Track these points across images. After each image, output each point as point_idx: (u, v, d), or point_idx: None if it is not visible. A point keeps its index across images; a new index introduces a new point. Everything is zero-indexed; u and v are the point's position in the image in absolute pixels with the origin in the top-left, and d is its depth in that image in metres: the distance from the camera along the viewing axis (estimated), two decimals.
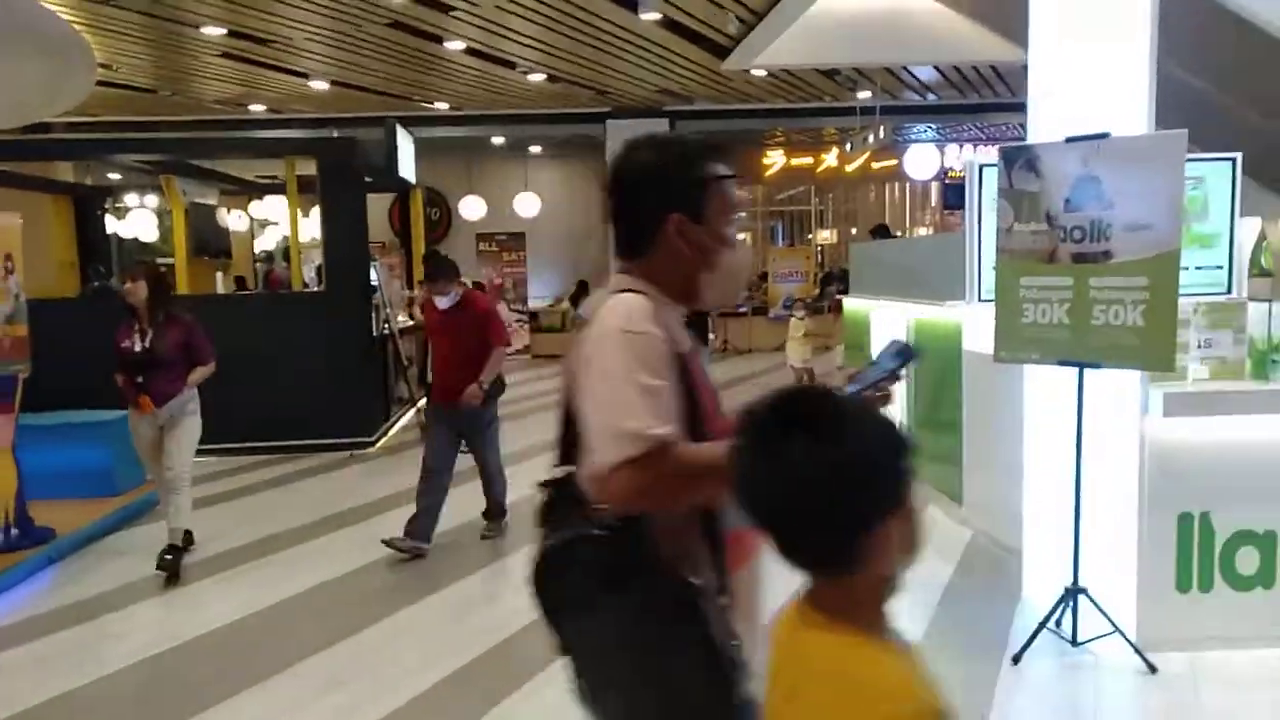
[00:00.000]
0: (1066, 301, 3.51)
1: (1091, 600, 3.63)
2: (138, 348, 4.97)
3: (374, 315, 8.78)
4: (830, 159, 17.55)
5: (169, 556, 4.96)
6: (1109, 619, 3.58)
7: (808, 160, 17.71)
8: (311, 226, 10.61)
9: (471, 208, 16.91)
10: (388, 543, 5.13)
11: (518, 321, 15.75)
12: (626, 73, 12.48)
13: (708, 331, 8.40)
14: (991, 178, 4.25)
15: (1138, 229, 3.28)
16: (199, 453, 5.24)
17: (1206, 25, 5.74)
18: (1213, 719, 3.22)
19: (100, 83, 9.52)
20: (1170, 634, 3.61)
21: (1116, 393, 3.65)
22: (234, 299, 11.32)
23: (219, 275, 14.83)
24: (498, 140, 17.27)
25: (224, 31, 9.84)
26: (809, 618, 1.14)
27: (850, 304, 8.18)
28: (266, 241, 16.78)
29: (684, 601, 1.45)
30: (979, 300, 4.74)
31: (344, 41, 10.47)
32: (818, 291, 15.54)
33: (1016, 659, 3.60)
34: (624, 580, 1.46)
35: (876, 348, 7.95)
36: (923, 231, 18.90)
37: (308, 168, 8.81)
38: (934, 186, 18.56)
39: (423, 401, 7.53)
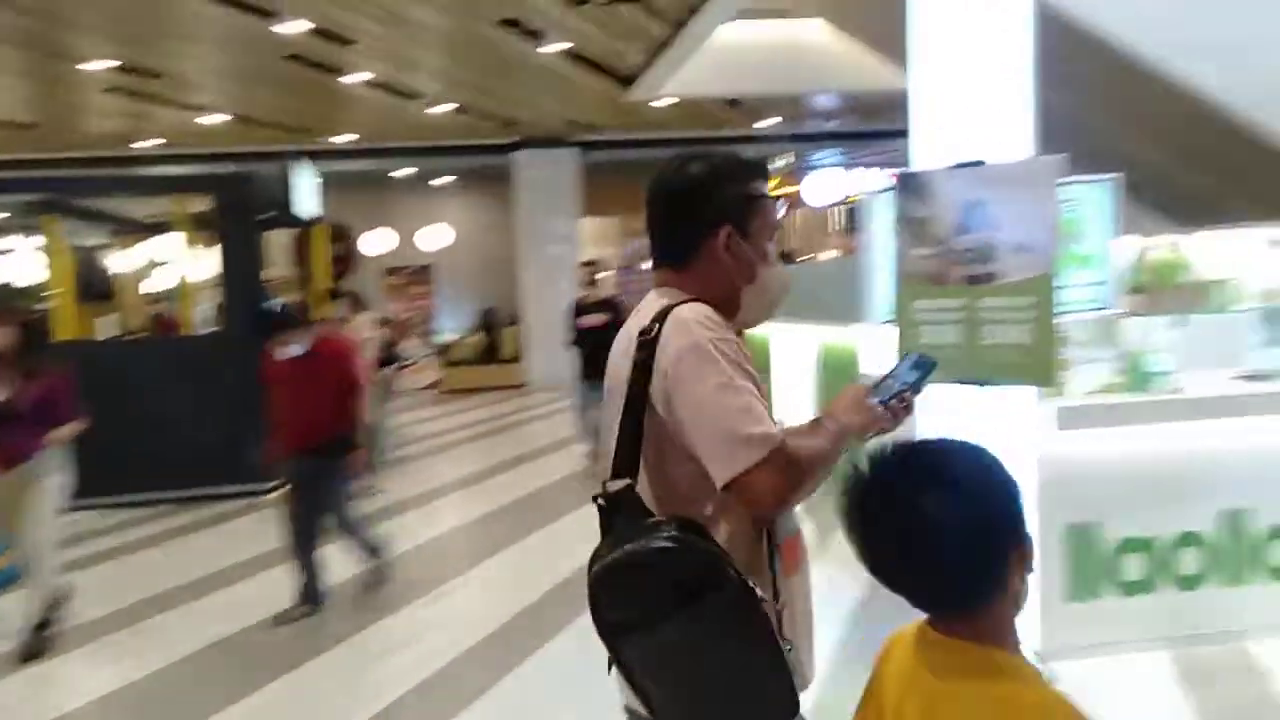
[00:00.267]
0: (959, 322, 3.59)
1: None
2: None
3: None
4: None
5: (34, 632, 4.55)
6: None
7: None
8: (210, 265, 10.25)
9: (379, 241, 16.64)
10: (279, 619, 4.80)
11: (427, 356, 15.46)
12: (533, 104, 12.50)
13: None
14: (884, 203, 4.35)
15: (1021, 251, 3.38)
16: (82, 507, 4.91)
17: (1091, 54, 6.04)
18: None
19: None
20: (1065, 643, 3.70)
21: (1009, 410, 3.75)
22: (121, 343, 10.81)
23: (106, 318, 14.15)
24: (406, 172, 17.06)
25: (112, 65, 9.49)
26: (941, 641, 1.21)
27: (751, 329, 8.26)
28: (159, 282, 16.13)
29: (754, 610, 1.44)
30: (879, 322, 4.84)
31: (241, 75, 10.23)
32: None
33: None
34: (699, 591, 1.43)
35: (777, 373, 8.04)
36: (828, 255, 19.34)
37: (206, 204, 8.53)
38: (839, 211, 19.04)
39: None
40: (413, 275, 18.03)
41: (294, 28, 8.55)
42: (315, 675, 4.19)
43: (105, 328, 13.93)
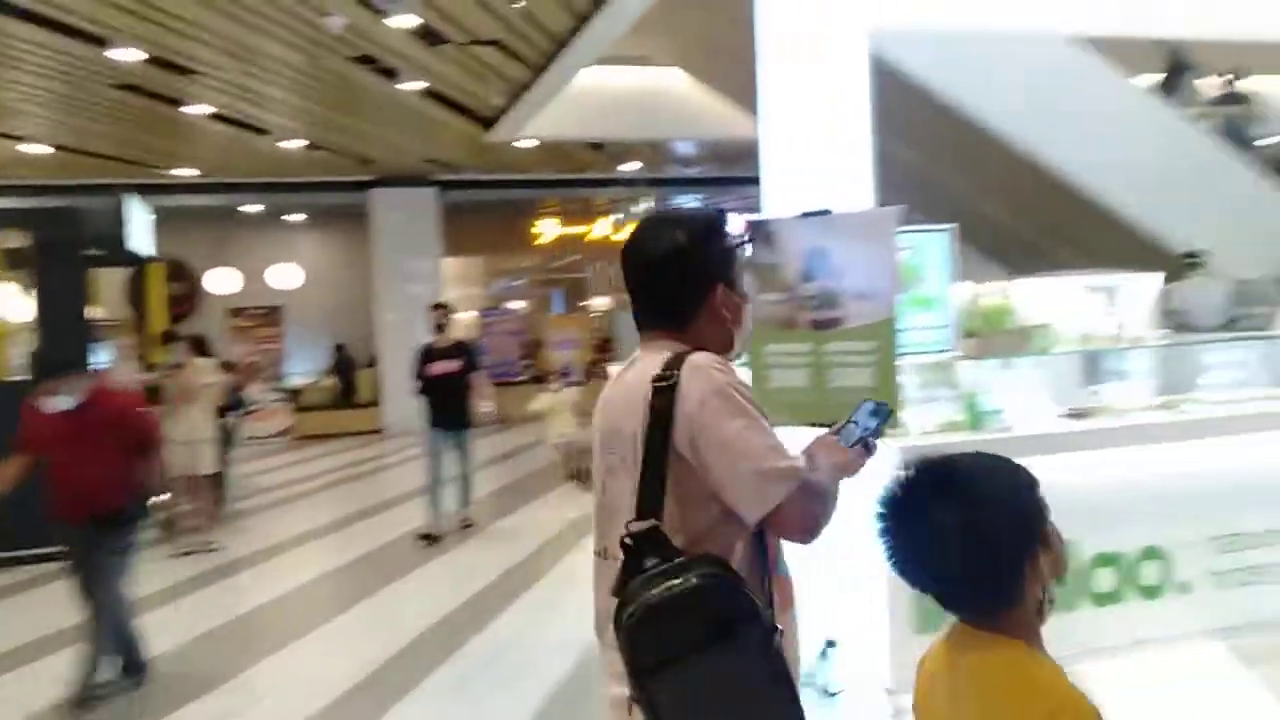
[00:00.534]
0: (808, 365, 3.65)
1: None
2: None
3: None
4: (601, 228, 18.01)
5: None
6: (859, 668, 3.69)
7: (580, 229, 18.07)
8: (26, 306, 9.44)
9: (222, 281, 15.81)
10: (81, 699, 4.24)
11: (275, 401, 14.71)
12: (390, 141, 12.22)
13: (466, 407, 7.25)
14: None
15: (863, 298, 3.48)
16: None
17: (929, 111, 6.40)
18: None
19: None
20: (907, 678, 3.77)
21: None
22: None
23: None
24: (255, 209, 16.34)
25: None
26: (969, 631, 1.30)
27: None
28: None
29: (774, 644, 1.56)
30: (736, 364, 4.89)
31: (68, 103, 9.55)
32: (597, 358, 15.67)
33: None
34: (731, 627, 1.51)
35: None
36: None
37: (23, 240, 7.86)
38: None
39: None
40: (262, 316, 17.19)
41: (127, 55, 8.05)
42: None
43: None
